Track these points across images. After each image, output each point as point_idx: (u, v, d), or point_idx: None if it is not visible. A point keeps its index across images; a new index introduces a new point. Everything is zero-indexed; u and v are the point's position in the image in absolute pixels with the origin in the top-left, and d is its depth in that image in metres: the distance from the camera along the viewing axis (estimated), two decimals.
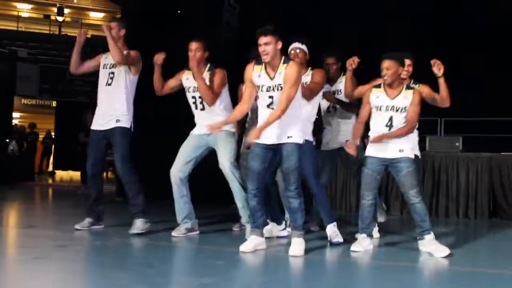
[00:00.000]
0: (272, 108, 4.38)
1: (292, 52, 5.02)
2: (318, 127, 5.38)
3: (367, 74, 4.95)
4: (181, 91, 5.24)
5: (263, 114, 4.46)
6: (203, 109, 5.05)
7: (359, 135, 4.78)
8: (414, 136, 4.74)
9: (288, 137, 4.35)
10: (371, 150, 4.66)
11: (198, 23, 8.11)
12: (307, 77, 4.94)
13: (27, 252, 4.31)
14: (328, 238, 4.89)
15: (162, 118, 8.17)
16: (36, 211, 7.89)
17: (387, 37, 8.61)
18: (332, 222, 4.93)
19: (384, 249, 4.85)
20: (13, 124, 15.78)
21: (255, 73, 4.46)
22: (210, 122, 4.98)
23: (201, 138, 5.07)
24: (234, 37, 9.20)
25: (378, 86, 4.66)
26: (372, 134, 4.68)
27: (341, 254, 4.62)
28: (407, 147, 4.60)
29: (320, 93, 5.10)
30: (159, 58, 5.05)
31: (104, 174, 6.00)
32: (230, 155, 4.99)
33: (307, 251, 4.41)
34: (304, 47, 5.03)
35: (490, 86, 8.72)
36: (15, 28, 22.49)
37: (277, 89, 4.36)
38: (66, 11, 24.48)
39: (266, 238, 4.68)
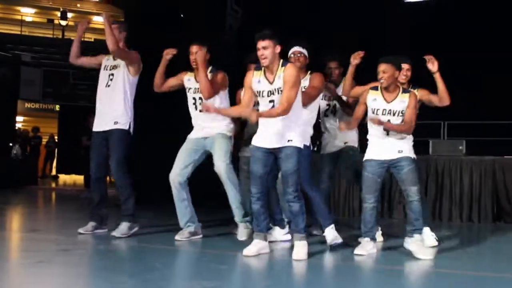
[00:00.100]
0: None
1: (293, 56, 5.02)
2: (319, 131, 5.39)
3: (367, 74, 4.96)
4: (181, 92, 5.25)
5: (264, 121, 4.47)
6: (202, 110, 5.06)
7: (352, 129, 4.87)
8: (410, 141, 4.74)
9: (288, 141, 4.36)
10: (370, 154, 4.67)
11: (201, 26, 8.13)
12: (305, 82, 4.95)
13: (30, 256, 4.31)
14: (327, 241, 4.88)
15: (162, 118, 8.19)
16: (39, 215, 7.90)
17: (387, 37, 8.62)
18: (330, 224, 4.93)
19: (387, 253, 4.83)
20: (16, 128, 15.82)
21: (255, 79, 4.47)
22: (208, 125, 5.01)
23: (198, 142, 5.08)
24: (236, 41, 9.22)
25: (376, 88, 4.67)
26: (370, 135, 4.69)
27: (344, 258, 4.61)
28: (406, 148, 4.63)
29: (319, 97, 5.09)
30: (168, 52, 5.07)
31: (108, 178, 5.99)
32: (225, 157, 4.99)
33: (310, 254, 4.40)
34: (305, 51, 5.04)
35: (493, 89, 8.70)
36: (19, 32, 22.55)
37: (278, 93, 4.36)
38: (69, 15, 24.52)
39: (270, 242, 4.67)
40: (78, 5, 27.76)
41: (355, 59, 4.93)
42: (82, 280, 3.78)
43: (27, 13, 26.82)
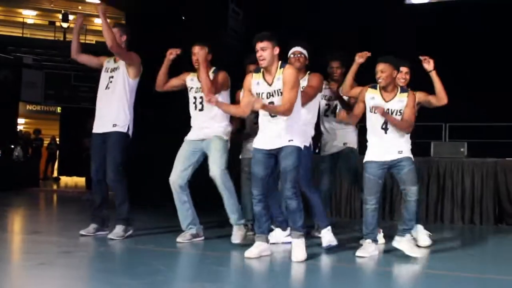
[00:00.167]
0: (275, 116, 4.39)
1: (293, 56, 5.02)
2: (319, 131, 5.39)
3: (366, 75, 4.97)
4: (180, 93, 5.26)
5: (264, 123, 4.47)
6: (201, 109, 5.06)
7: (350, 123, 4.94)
8: (409, 142, 4.73)
9: (289, 141, 4.37)
10: (371, 155, 4.67)
11: (202, 28, 8.14)
12: (304, 82, 4.95)
13: (32, 258, 4.31)
14: (323, 243, 4.88)
15: (161, 119, 8.21)
16: (41, 217, 7.90)
17: (387, 38, 8.63)
18: (327, 226, 4.93)
19: (389, 255, 4.82)
20: (18, 130, 15.85)
21: (254, 81, 4.49)
22: (206, 125, 5.00)
23: (195, 144, 5.09)
24: (237, 42, 9.23)
25: (374, 87, 4.68)
26: (369, 135, 4.70)
27: (346, 260, 4.60)
28: (405, 149, 4.64)
29: (318, 98, 5.09)
30: (172, 52, 5.07)
31: None
32: (221, 162, 4.97)
33: (311, 256, 4.40)
34: (305, 52, 5.04)
35: (495, 91, 8.70)
36: (20, 35, 22.58)
37: (277, 95, 4.37)
38: (71, 17, 24.54)
39: (271, 244, 4.67)
40: (80, 7, 27.76)
41: (360, 57, 4.92)
42: (84, 282, 3.78)
43: (29, 15, 26.86)
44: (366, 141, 4.77)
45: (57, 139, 16.90)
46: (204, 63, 4.95)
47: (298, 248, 4.37)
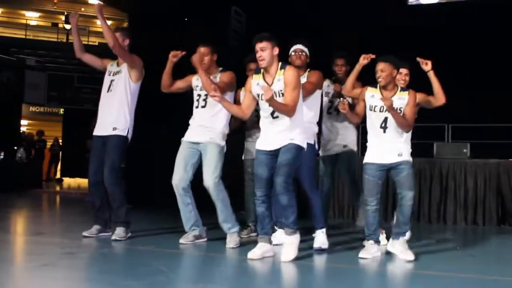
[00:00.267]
0: (277, 116, 4.39)
1: (294, 53, 5.03)
2: (320, 131, 5.39)
3: (367, 75, 4.97)
4: (182, 95, 5.27)
5: (266, 124, 4.48)
6: (204, 106, 5.06)
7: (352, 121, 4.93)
8: (409, 145, 4.73)
9: (290, 139, 4.37)
10: (370, 156, 4.68)
11: (204, 29, 8.15)
12: (303, 79, 4.95)
13: (35, 260, 4.32)
14: (314, 243, 4.89)
15: (163, 121, 8.22)
16: (44, 218, 7.91)
17: (388, 39, 8.63)
18: (322, 228, 4.94)
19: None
20: (21, 131, 15.88)
21: (254, 82, 4.50)
22: (207, 123, 4.99)
23: (193, 145, 5.08)
24: (238, 43, 9.24)
25: (374, 86, 4.69)
26: (369, 136, 4.71)
27: (349, 261, 4.60)
28: (405, 152, 4.64)
29: (318, 96, 5.09)
30: (175, 55, 5.07)
31: None
32: (215, 172, 4.95)
33: (314, 257, 4.40)
34: (306, 50, 5.05)
35: (497, 91, 8.69)
36: (23, 36, 22.64)
37: (277, 96, 4.37)
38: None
39: (274, 245, 4.67)
40: (83, 9, 27.78)
41: (365, 59, 4.93)
42: (87, 283, 3.78)
43: (32, 17, 26.92)
44: (367, 141, 4.78)
45: (60, 141, 16.93)
46: (199, 65, 4.93)
47: (289, 247, 4.38)
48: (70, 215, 8.04)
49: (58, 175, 16.64)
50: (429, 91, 5.07)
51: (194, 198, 5.12)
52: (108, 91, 5.27)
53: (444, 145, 7.83)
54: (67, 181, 16.05)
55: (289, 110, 4.32)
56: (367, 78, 4.92)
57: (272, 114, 4.42)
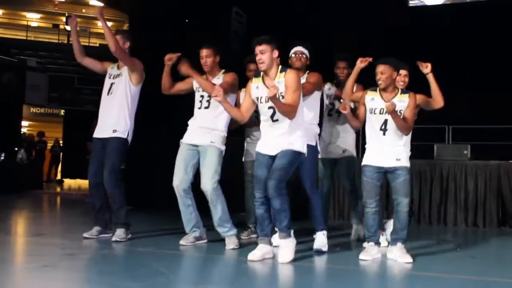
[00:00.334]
0: (277, 120, 4.39)
1: (294, 55, 5.04)
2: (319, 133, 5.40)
3: (365, 77, 4.98)
4: (182, 96, 5.27)
5: (266, 127, 4.48)
6: (207, 107, 5.06)
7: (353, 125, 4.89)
8: (408, 150, 4.73)
9: (289, 144, 4.38)
10: (369, 159, 4.68)
11: (206, 31, 8.17)
12: (302, 80, 4.95)
13: (35, 261, 4.32)
14: (314, 245, 4.89)
15: (163, 122, 8.22)
16: (44, 219, 7.92)
17: (388, 40, 8.64)
18: (323, 230, 4.95)
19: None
20: (21, 132, 15.89)
21: (253, 85, 4.51)
22: (208, 125, 4.99)
23: (192, 146, 5.08)
24: (239, 45, 9.25)
25: (374, 89, 4.69)
26: (368, 138, 4.71)
27: (349, 262, 4.61)
28: (403, 157, 4.63)
29: (318, 97, 5.09)
30: (171, 58, 5.07)
31: None
32: (214, 176, 4.93)
33: (315, 259, 4.40)
34: (306, 52, 5.06)
35: (498, 93, 8.70)
36: (24, 38, 22.65)
37: (279, 98, 4.36)
38: None
39: (274, 246, 4.67)
40: (84, 10, 27.84)
41: (362, 62, 4.94)
42: (87, 284, 3.78)
43: (33, 18, 26.93)
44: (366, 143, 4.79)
45: (61, 142, 16.95)
46: (190, 73, 4.95)
47: (285, 249, 4.38)
48: (71, 216, 8.05)
49: (58, 176, 16.66)
50: (428, 93, 5.07)
51: (195, 199, 5.13)
52: (108, 94, 5.28)
53: (444, 147, 7.83)
54: (68, 182, 16.06)
55: (290, 111, 4.32)
56: (367, 81, 4.93)
57: (272, 117, 4.42)
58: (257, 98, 4.48)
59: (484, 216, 7.12)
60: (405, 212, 4.57)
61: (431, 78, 4.95)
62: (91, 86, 14.89)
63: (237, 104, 5.15)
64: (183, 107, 5.54)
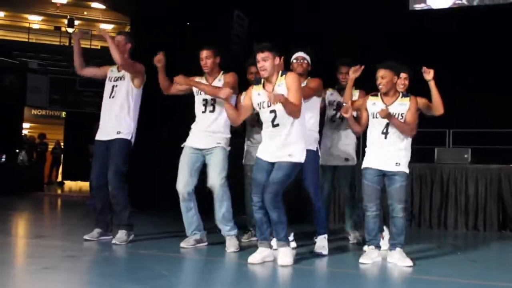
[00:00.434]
0: (277, 125, 4.40)
1: (295, 61, 5.05)
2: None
3: (367, 82, 4.98)
4: (182, 98, 5.29)
5: (267, 134, 4.50)
6: (212, 111, 5.06)
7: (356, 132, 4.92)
8: (408, 155, 4.73)
9: (288, 155, 4.38)
10: (369, 161, 4.68)
11: (207, 34, 8.19)
12: (302, 85, 4.96)
13: (36, 262, 4.32)
14: (315, 247, 4.92)
15: (164, 124, 8.23)
16: (45, 221, 7.92)
17: (388, 44, 8.65)
18: (324, 234, 4.97)
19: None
20: (23, 134, 15.91)
21: (254, 92, 4.52)
22: (214, 128, 5.00)
23: (196, 150, 5.09)
24: (240, 48, 9.27)
25: (375, 94, 4.71)
26: (368, 142, 4.72)
27: (349, 266, 4.61)
28: (404, 162, 4.63)
29: (318, 103, 5.10)
30: (159, 59, 5.06)
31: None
32: (222, 173, 4.96)
33: (315, 262, 4.40)
34: (308, 57, 5.07)
35: (499, 96, 8.70)
36: (26, 40, 22.69)
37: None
38: (76, 22, 24.65)
39: (274, 249, 4.68)
40: (85, 13, 27.92)
41: (355, 72, 4.95)
42: (88, 286, 3.79)
43: (34, 21, 26.99)
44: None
45: (62, 144, 16.96)
46: (190, 83, 4.98)
47: (283, 255, 4.40)
48: (71, 218, 8.05)
49: (59, 178, 16.67)
50: (429, 96, 5.07)
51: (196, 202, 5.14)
52: (110, 97, 5.30)
53: (445, 150, 7.83)
54: (69, 184, 16.07)
55: (296, 110, 4.33)
56: (367, 86, 4.93)
57: (272, 121, 4.43)
58: (259, 104, 4.49)
59: (485, 220, 7.11)
60: (400, 217, 4.57)
61: (432, 85, 4.93)
62: (93, 88, 14.91)
63: (236, 106, 5.16)
64: (183, 107, 5.56)
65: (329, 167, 5.55)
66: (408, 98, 4.65)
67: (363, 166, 4.72)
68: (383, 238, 5.04)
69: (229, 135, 5.11)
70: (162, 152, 8.12)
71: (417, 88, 5.03)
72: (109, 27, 27.86)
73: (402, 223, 4.58)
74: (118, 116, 5.23)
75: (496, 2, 8.99)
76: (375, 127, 4.67)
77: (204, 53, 5.06)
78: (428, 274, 4.33)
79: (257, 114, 4.82)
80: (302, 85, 4.90)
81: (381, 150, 4.63)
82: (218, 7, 8.85)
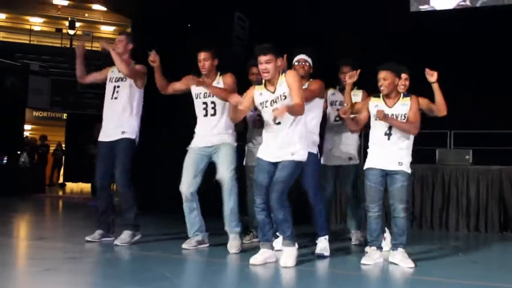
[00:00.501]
0: (279, 123, 4.41)
1: (297, 63, 5.05)
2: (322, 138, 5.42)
3: (367, 83, 4.98)
4: (183, 98, 5.29)
5: (269, 133, 4.50)
6: (214, 114, 5.07)
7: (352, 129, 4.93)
8: (410, 155, 4.73)
9: (292, 154, 4.38)
10: (371, 162, 4.68)
11: (208, 35, 8.19)
12: (304, 87, 4.97)
13: (37, 264, 4.33)
14: (316, 249, 4.91)
15: (164, 124, 8.23)
16: (47, 223, 7.93)
17: (388, 45, 8.65)
18: (325, 235, 4.96)
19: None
20: (24, 136, 15.93)
21: (256, 92, 4.53)
22: (217, 131, 5.01)
23: (203, 150, 5.09)
24: (241, 49, 9.27)
25: (378, 95, 4.70)
26: (371, 143, 4.72)
27: (351, 267, 4.61)
28: (405, 161, 4.63)
29: (320, 105, 5.10)
30: (154, 60, 5.07)
31: (114, 186, 6.02)
32: (231, 167, 4.99)
33: (317, 263, 4.40)
34: (309, 60, 5.07)
35: (501, 98, 8.69)
36: (27, 42, 22.72)
37: (281, 99, 4.38)
38: (77, 24, 24.68)
39: (276, 250, 4.68)
40: (86, 15, 27.94)
41: (350, 78, 4.95)
42: None
43: (36, 23, 27.00)
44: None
45: (63, 145, 16.98)
46: (204, 84, 4.99)
47: (287, 256, 4.40)
48: (73, 219, 8.05)
49: (61, 180, 16.69)
50: (430, 96, 5.07)
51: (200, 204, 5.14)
52: (112, 98, 5.30)
53: (446, 152, 7.82)
54: (70, 185, 16.09)
55: (300, 109, 4.33)
56: (368, 86, 4.93)
57: (274, 119, 4.43)
58: (261, 104, 4.49)
59: (486, 221, 7.10)
60: (402, 217, 4.57)
61: (436, 87, 4.92)
62: (94, 90, 14.89)
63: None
64: (183, 107, 5.56)
65: (331, 167, 5.56)
66: (409, 98, 4.65)
67: (365, 166, 4.72)
68: (384, 239, 5.04)
69: (234, 132, 5.13)
70: (162, 152, 8.13)
71: (419, 88, 5.02)
72: (110, 29, 27.91)
73: (403, 223, 4.58)
74: (121, 117, 5.24)
75: (500, 3, 8.97)
76: (378, 128, 4.67)
77: (202, 55, 5.07)
78: (429, 275, 4.33)
79: (259, 115, 4.82)
80: (304, 87, 4.92)
81: (383, 150, 4.63)
82: (218, 9, 8.85)
